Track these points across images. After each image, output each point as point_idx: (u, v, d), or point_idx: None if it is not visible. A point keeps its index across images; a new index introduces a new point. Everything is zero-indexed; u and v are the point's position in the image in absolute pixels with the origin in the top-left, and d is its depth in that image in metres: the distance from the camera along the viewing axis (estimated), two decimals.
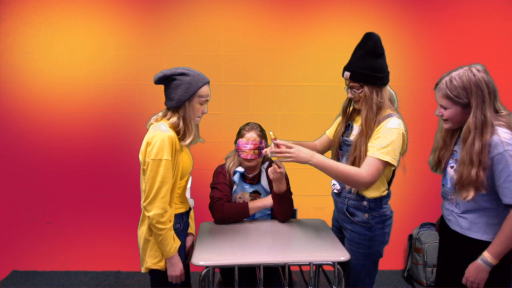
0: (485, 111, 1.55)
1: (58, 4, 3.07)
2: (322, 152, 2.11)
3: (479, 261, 1.61)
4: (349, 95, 1.87)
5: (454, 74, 1.60)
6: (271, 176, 2.04)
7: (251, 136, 2.21)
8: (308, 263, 1.84)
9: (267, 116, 3.16)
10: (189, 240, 2.05)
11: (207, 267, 1.80)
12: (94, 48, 3.11)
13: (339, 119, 2.07)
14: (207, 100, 1.86)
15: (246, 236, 2.05)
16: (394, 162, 1.75)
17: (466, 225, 1.70)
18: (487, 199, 1.63)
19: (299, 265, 2.19)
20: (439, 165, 1.79)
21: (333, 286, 1.91)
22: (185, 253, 1.99)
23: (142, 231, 1.79)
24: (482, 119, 1.55)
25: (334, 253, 1.86)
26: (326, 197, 3.22)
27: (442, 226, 1.89)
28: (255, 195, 2.27)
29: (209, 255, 1.84)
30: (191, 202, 1.97)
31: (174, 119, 1.79)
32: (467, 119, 1.60)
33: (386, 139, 1.73)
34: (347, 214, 1.92)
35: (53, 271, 3.24)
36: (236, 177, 2.23)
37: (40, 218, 3.22)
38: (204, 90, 1.82)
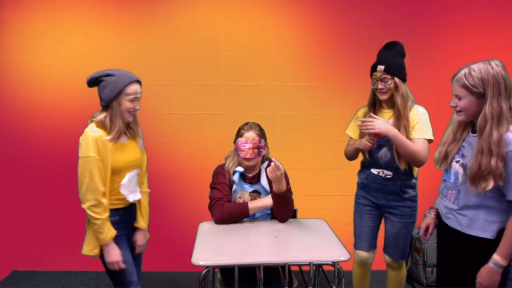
0: (501, 103, 1.58)
1: (58, 4, 3.07)
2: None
3: (490, 264, 1.60)
4: (380, 86, 2.17)
5: (473, 66, 1.64)
6: (269, 175, 2.05)
7: (250, 135, 2.21)
8: (308, 263, 1.84)
9: (267, 116, 3.15)
10: (137, 235, 2.11)
11: (207, 267, 1.80)
12: (94, 48, 3.11)
13: (357, 120, 2.29)
14: (136, 98, 1.96)
15: (246, 236, 2.05)
16: (433, 137, 2.16)
17: (465, 222, 1.70)
18: (491, 195, 1.63)
19: (299, 265, 2.19)
20: (445, 159, 1.79)
21: (333, 286, 1.91)
22: (133, 245, 2.09)
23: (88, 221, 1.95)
24: (498, 110, 1.57)
25: (334, 253, 1.86)
26: (326, 197, 3.23)
27: (440, 225, 1.89)
28: (255, 194, 2.27)
29: (209, 255, 1.84)
30: (131, 198, 2.00)
31: (101, 117, 1.92)
32: (479, 112, 1.62)
33: (425, 123, 2.15)
34: (400, 193, 2.22)
35: (53, 271, 3.24)
36: (235, 177, 2.24)
37: (40, 218, 3.22)
38: (132, 88, 1.93)
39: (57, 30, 3.09)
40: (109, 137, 1.90)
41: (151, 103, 3.15)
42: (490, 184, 1.57)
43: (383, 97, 2.19)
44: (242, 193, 2.27)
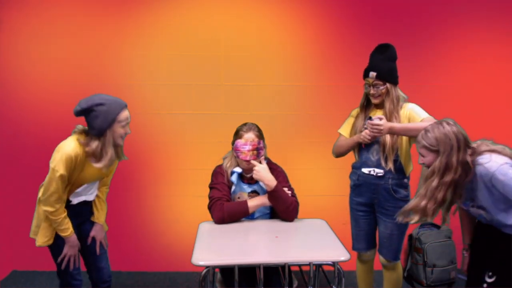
0: (451, 157, 1.77)
1: (57, 5, 3.07)
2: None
3: None
4: (372, 91, 2.22)
5: (428, 127, 1.87)
6: (254, 177, 2.16)
7: (250, 137, 2.21)
8: (308, 263, 1.84)
9: (267, 116, 3.15)
10: (94, 229, 2.20)
11: (207, 267, 1.80)
12: (94, 48, 3.11)
13: (351, 119, 2.39)
14: (127, 123, 2.01)
15: (246, 236, 2.05)
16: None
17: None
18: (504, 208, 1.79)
19: (299, 265, 2.19)
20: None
21: (333, 286, 1.91)
22: (84, 236, 2.18)
23: (39, 212, 2.04)
24: (445, 164, 1.78)
25: (334, 253, 1.86)
26: (326, 197, 3.23)
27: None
28: (254, 194, 2.27)
29: (209, 255, 1.84)
30: (75, 201, 2.09)
31: (93, 145, 1.94)
32: None
33: (417, 110, 2.21)
34: (392, 192, 2.22)
35: (53, 271, 3.19)
36: (234, 177, 2.24)
37: None
38: (123, 115, 1.97)
39: (56, 30, 3.09)
40: (100, 165, 1.97)
41: (151, 103, 3.15)
42: (415, 219, 1.86)
43: (375, 101, 2.25)
44: (241, 193, 2.27)
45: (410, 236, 3.21)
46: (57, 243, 2.07)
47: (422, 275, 3.06)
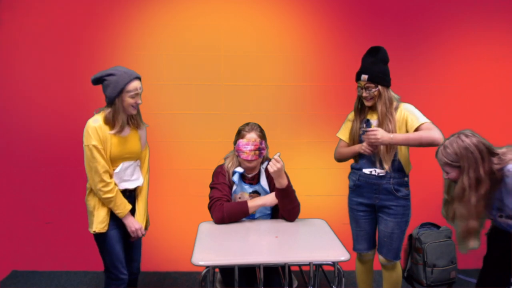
0: (478, 170, 1.71)
1: (57, 4, 3.07)
2: None
3: None
4: (364, 94, 2.22)
5: (446, 142, 1.82)
6: (270, 170, 2.09)
7: (252, 137, 2.21)
8: (308, 263, 1.84)
9: (267, 116, 3.15)
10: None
11: (207, 267, 1.80)
12: (94, 48, 3.11)
13: (348, 123, 2.38)
14: (137, 93, 2.09)
15: (246, 236, 2.05)
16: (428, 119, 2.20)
17: None
18: None
19: (299, 265, 2.19)
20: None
21: (333, 286, 1.91)
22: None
23: (91, 204, 2.13)
24: (475, 178, 1.72)
25: (334, 253, 1.86)
26: (326, 197, 3.23)
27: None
28: (255, 195, 2.27)
29: (209, 255, 1.84)
30: (121, 186, 2.15)
31: (106, 112, 2.08)
32: None
33: (413, 112, 2.21)
34: (393, 191, 2.23)
35: (53, 271, 3.24)
36: (235, 177, 2.24)
37: (40, 218, 3.22)
38: (132, 85, 2.06)
39: (56, 30, 3.09)
40: (113, 131, 2.07)
41: (151, 103, 3.14)
42: (474, 242, 1.78)
43: (368, 103, 2.24)
44: (242, 193, 2.27)
45: (410, 236, 3.21)
46: (106, 236, 2.13)
47: (422, 275, 3.06)
